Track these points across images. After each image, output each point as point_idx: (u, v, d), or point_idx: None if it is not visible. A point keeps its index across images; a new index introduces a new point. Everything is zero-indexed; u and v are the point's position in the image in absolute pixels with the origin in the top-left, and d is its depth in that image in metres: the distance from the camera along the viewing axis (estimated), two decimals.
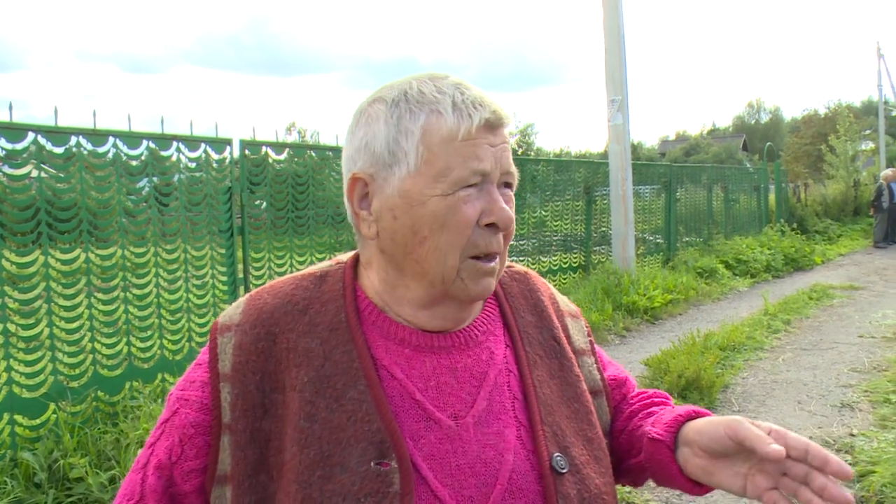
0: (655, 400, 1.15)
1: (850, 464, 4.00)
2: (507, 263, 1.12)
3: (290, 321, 0.98)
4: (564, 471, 0.96)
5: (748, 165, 28.26)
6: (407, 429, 0.93)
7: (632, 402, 1.16)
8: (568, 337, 1.11)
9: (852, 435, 4.56)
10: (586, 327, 1.17)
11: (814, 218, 18.79)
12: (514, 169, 0.97)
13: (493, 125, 0.94)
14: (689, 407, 1.05)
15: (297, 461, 0.90)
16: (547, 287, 1.16)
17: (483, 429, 0.95)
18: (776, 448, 0.87)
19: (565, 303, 1.17)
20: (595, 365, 1.13)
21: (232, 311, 1.02)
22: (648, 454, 1.04)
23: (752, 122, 69.03)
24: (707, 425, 0.96)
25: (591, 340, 1.15)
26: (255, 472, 0.93)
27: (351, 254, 1.07)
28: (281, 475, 0.92)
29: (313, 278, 1.03)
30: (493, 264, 0.96)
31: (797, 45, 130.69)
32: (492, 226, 0.94)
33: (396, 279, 0.98)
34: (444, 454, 0.92)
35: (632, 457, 1.09)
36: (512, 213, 0.96)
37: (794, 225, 16.20)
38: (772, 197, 17.85)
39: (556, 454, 0.96)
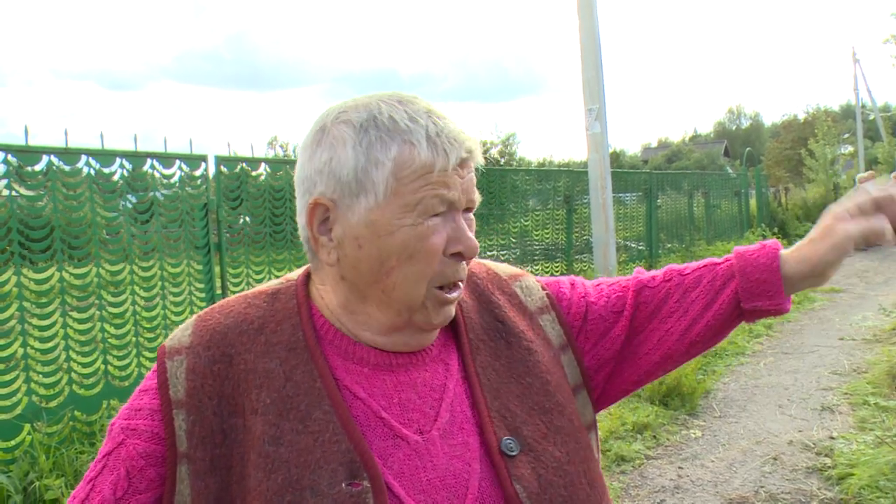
0: (699, 270, 1.11)
1: (829, 467, 4.06)
2: None
3: (246, 341, 0.95)
4: (514, 453, 0.95)
5: (730, 171, 28.49)
6: (375, 447, 0.91)
7: (659, 288, 1.11)
8: (519, 304, 1.08)
9: (832, 438, 4.59)
10: (537, 282, 1.13)
11: (795, 222, 18.97)
12: (477, 196, 0.97)
13: (465, 161, 0.93)
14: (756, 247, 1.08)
15: (264, 487, 0.88)
16: (482, 265, 1.13)
17: (449, 440, 0.95)
18: None
19: (505, 270, 1.14)
20: (556, 318, 1.09)
21: (180, 334, 0.98)
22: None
23: (733, 127, 69.63)
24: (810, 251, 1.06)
25: (547, 294, 1.11)
26: (218, 501, 0.90)
27: (300, 271, 1.04)
28: (246, 503, 0.89)
29: (265, 296, 1.01)
30: (455, 294, 0.96)
31: (776, 50, 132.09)
32: (458, 255, 0.94)
33: (357, 306, 0.96)
34: (414, 470, 0.92)
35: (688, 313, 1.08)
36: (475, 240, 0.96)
37: (776, 229, 16.35)
38: (753, 202, 18.00)
39: (506, 438, 0.95)
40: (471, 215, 0.97)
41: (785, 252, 1.08)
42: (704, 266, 1.11)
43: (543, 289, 1.12)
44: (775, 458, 4.31)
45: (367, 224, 0.91)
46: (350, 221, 0.92)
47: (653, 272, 1.15)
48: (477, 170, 0.98)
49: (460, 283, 0.96)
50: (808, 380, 6.03)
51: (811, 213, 20.66)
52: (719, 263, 1.10)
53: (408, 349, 0.99)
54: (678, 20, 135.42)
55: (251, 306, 0.99)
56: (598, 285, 1.15)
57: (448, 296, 0.94)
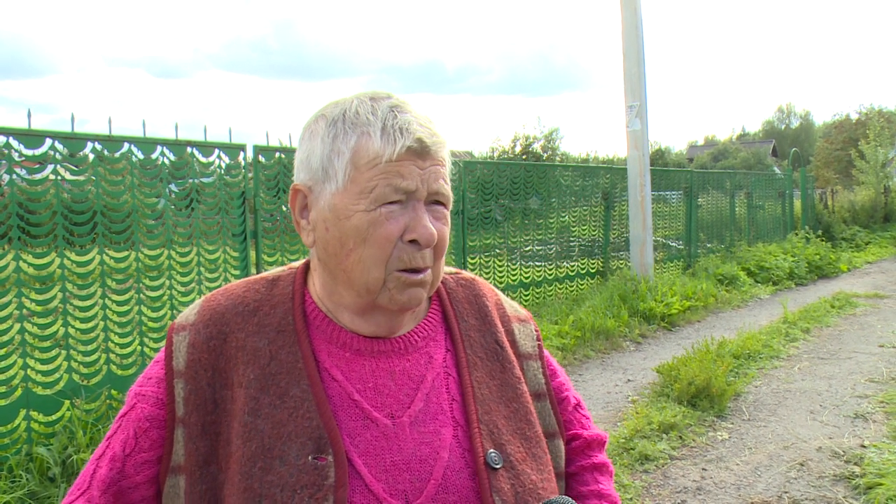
0: (595, 462, 1.20)
1: (857, 475, 4.01)
2: (455, 270, 1.20)
3: (240, 321, 1.04)
4: (498, 466, 1.01)
5: (777, 171, 27.90)
6: (344, 426, 0.98)
7: (569, 455, 1.20)
8: (513, 341, 1.16)
9: (863, 446, 4.51)
10: (535, 331, 1.21)
11: (841, 225, 18.53)
12: (445, 189, 1.01)
13: (418, 152, 0.98)
14: None
15: (240, 453, 0.97)
16: (493, 293, 1.21)
17: (419, 428, 1.01)
18: None
19: (513, 308, 1.22)
20: (541, 370, 1.17)
21: (188, 312, 1.08)
22: None
23: (783, 127, 68.12)
24: None
25: (539, 345, 1.19)
26: (206, 463, 0.99)
27: (303, 261, 1.13)
28: (228, 466, 0.98)
29: (265, 282, 1.10)
30: (419, 276, 1.01)
31: (829, 47, 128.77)
32: (414, 242, 0.99)
33: (332, 286, 1.05)
34: (380, 451, 0.98)
35: None
36: (437, 230, 1.00)
37: (820, 232, 15.99)
38: (798, 203, 17.63)
39: (491, 451, 1.01)
40: (441, 208, 1.02)
41: None
42: None
43: (537, 340, 1.20)
44: (802, 464, 4.26)
45: (330, 208, 1.00)
46: (320, 205, 1.01)
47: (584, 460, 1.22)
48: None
49: (423, 269, 1.01)
50: (843, 386, 5.92)
51: (858, 217, 20.19)
52: None
53: (381, 332, 1.05)
54: (728, 15, 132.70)
55: (250, 290, 1.09)
56: (577, 406, 1.25)
57: (409, 277, 1.00)
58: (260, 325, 1.04)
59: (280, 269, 1.14)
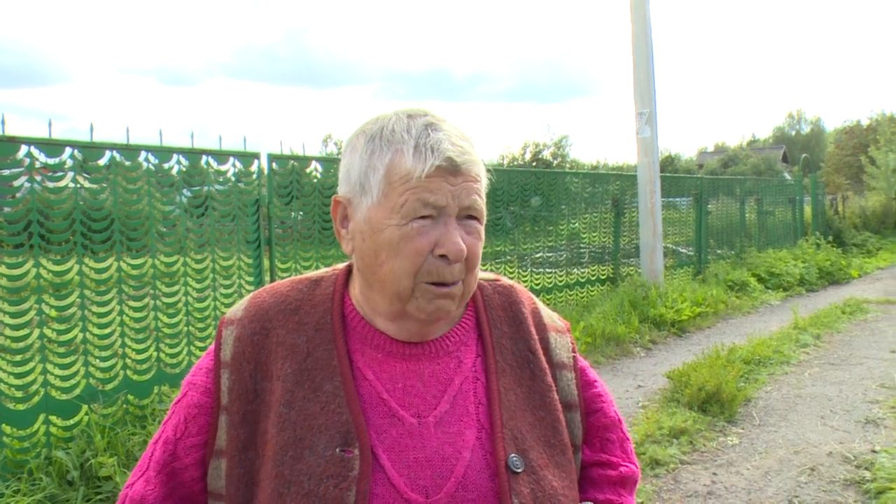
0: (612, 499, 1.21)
1: (867, 480, 4.02)
2: (495, 277, 1.22)
3: (282, 318, 1.11)
4: (519, 470, 1.04)
5: (787, 177, 27.81)
6: (372, 423, 1.04)
7: (588, 465, 1.22)
8: (546, 349, 1.18)
9: (874, 451, 4.52)
10: (571, 343, 1.23)
11: (851, 230, 18.46)
12: (478, 204, 1.05)
13: (448, 169, 1.01)
14: None
15: (274, 442, 1.03)
16: (532, 301, 1.24)
17: (444, 428, 1.05)
18: None
19: (551, 318, 1.24)
20: (574, 381, 1.19)
21: (237, 308, 1.15)
22: None
23: (793, 133, 67.90)
24: None
25: (575, 357, 1.22)
26: (245, 449, 1.06)
27: (347, 263, 1.19)
28: (264, 452, 1.05)
29: (309, 282, 1.16)
30: (446, 290, 1.04)
31: (839, 54, 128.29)
32: (444, 257, 1.02)
33: (368, 293, 1.10)
34: (404, 448, 1.03)
35: None
36: (469, 244, 1.03)
37: (831, 238, 15.94)
38: (808, 209, 17.58)
39: (513, 455, 1.05)
40: (474, 223, 1.05)
41: None
42: None
43: (573, 352, 1.22)
44: (812, 469, 4.27)
45: (366, 221, 1.04)
46: (357, 217, 1.06)
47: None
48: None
49: (452, 282, 1.05)
50: (853, 392, 5.92)
51: (869, 223, 20.11)
52: None
53: (414, 338, 1.10)
54: (738, 22, 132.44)
55: (294, 289, 1.15)
56: (615, 426, 1.28)
57: (436, 290, 1.04)
58: (300, 322, 1.10)
59: (325, 270, 1.20)
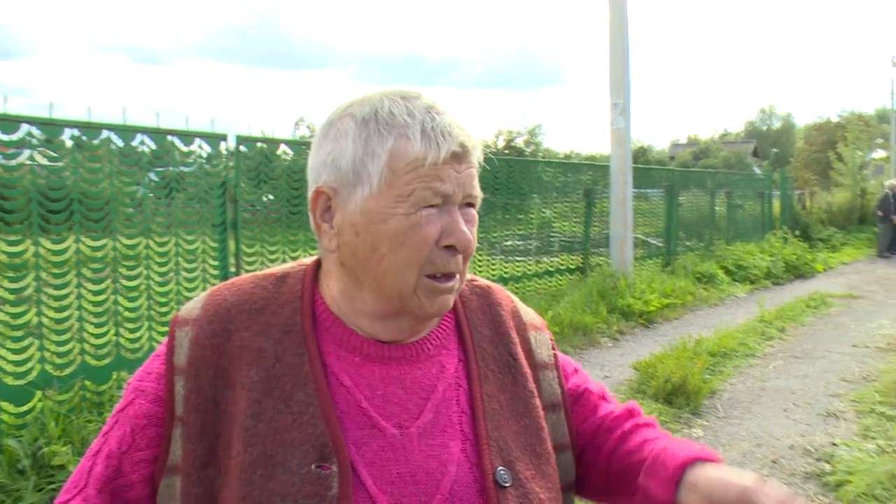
0: (639, 422, 1.14)
1: (827, 473, 4.06)
2: (470, 277, 1.13)
3: (246, 319, 1.00)
4: (507, 484, 0.97)
5: (757, 171, 28.16)
6: (350, 435, 0.95)
7: (611, 425, 1.15)
8: (528, 351, 1.12)
9: (834, 444, 4.57)
10: (550, 339, 1.17)
11: (818, 225, 18.76)
12: (477, 191, 0.99)
13: (458, 156, 0.95)
14: (689, 448, 1.03)
15: (240, 459, 0.92)
16: (510, 301, 1.17)
17: (427, 440, 0.97)
18: None
19: (529, 316, 1.17)
20: (556, 379, 1.13)
21: (192, 305, 1.03)
22: (644, 495, 1.04)
23: (765, 128, 68.65)
24: (719, 484, 0.95)
25: (555, 353, 1.16)
26: (204, 466, 0.95)
27: (314, 258, 1.09)
28: (227, 471, 0.94)
29: (274, 279, 1.05)
30: (449, 284, 0.98)
31: (812, 51, 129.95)
32: (450, 247, 0.96)
33: (355, 292, 1.00)
34: (386, 462, 0.94)
35: (622, 492, 1.09)
36: (472, 234, 0.98)
37: (798, 232, 16.17)
38: (777, 203, 17.81)
39: (500, 468, 0.98)
40: (472, 210, 1.00)
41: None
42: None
43: (553, 349, 1.16)
44: (774, 462, 4.31)
45: (362, 212, 0.95)
46: (348, 210, 0.96)
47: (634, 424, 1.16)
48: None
49: (454, 275, 0.98)
50: (816, 385, 6.00)
51: (835, 218, 20.43)
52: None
53: (402, 337, 1.02)
54: (713, 16, 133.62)
55: (258, 286, 1.04)
56: (602, 396, 1.19)
57: (440, 285, 0.97)
58: (267, 324, 1.00)
59: (289, 265, 1.09)
